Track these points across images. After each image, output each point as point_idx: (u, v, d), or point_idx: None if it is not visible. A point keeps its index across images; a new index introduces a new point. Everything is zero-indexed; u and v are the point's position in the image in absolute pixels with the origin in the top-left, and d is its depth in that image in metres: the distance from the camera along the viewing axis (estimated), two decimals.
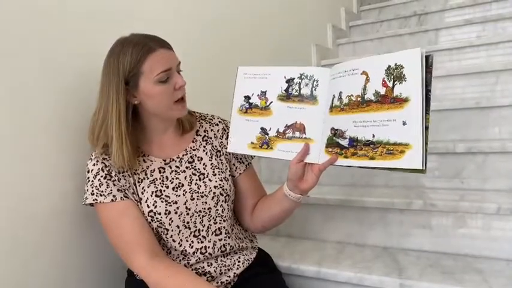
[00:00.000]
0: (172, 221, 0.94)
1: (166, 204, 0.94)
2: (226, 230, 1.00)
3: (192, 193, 0.97)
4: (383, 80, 0.82)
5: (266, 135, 0.99)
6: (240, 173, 1.06)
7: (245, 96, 1.02)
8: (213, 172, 1.00)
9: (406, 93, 0.79)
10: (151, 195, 0.94)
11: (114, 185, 0.92)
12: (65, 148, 1.03)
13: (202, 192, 0.97)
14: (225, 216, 1.00)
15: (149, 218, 0.93)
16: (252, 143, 1.00)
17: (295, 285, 1.17)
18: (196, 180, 0.99)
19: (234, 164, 1.06)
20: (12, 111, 0.92)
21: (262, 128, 0.99)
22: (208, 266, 0.97)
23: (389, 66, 0.82)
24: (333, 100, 0.90)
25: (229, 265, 1.00)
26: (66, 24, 1.04)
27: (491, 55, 1.95)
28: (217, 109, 1.18)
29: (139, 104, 0.94)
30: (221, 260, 0.99)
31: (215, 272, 0.97)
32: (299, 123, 0.95)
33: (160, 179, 0.97)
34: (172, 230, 0.95)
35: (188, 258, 0.96)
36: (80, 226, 1.05)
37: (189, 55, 1.12)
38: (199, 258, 0.96)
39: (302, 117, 0.95)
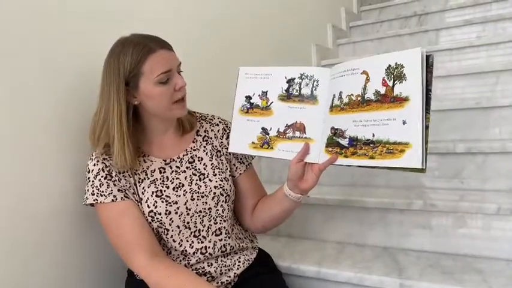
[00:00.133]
0: (172, 221, 0.94)
1: (166, 205, 0.94)
2: (226, 230, 1.00)
3: (193, 193, 0.97)
4: (383, 80, 0.82)
5: (267, 135, 0.99)
6: (240, 173, 1.06)
7: (246, 97, 1.02)
8: (214, 172, 1.00)
9: (406, 92, 0.79)
10: (152, 196, 0.94)
11: (115, 185, 0.92)
12: (65, 148, 1.03)
13: (203, 193, 0.97)
14: (225, 217, 1.00)
15: (149, 218, 0.93)
16: (253, 142, 1.00)
17: (296, 285, 1.17)
18: (197, 180, 0.98)
19: (234, 164, 1.06)
20: (12, 111, 0.92)
21: (263, 128, 0.99)
22: (209, 266, 0.97)
23: (389, 65, 0.82)
24: (333, 100, 0.90)
25: (229, 265, 1.00)
26: (66, 24, 1.04)
27: (492, 55, 1.96)
28: (218, 109, 1.19)
29: (139, 105, 0.94)
30: (221, 260, 0.99)
31: (215, 272, 0.97)
32: (299, 123, 0.95)
33: (160, 179, 0.97)
34: (172, 230, 0.95)
35: (188, 258, 0.96)
36: (80, 226, 1.05)
37: (189, 55, 1.12)
38: (199, 258, 0.96)
39: (302, 117, 0.95)
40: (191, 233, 0.97)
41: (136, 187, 0.95)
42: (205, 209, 0.97)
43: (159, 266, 0.88)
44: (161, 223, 0.93)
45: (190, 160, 1.01)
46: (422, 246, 1.20)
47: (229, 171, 1.04)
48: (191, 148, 1.02)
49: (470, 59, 2.00)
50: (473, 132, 1.53)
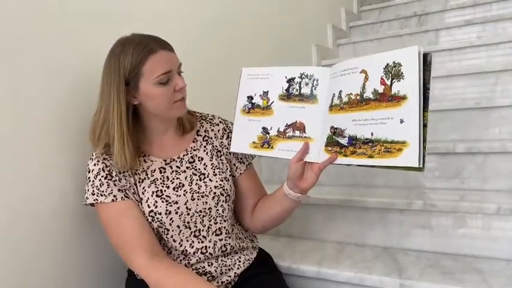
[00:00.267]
0: (172, 221, 0.94)
1: (166, 204, 0.94)
2: (226, 230, 1.00)
3: (193, 193, 0.97)
4: (381, 78, 0.82)
5: (267, 135, 0.99)
6: (240, 173, 1.06)
7: (248, 97, 1.03)
8: (214, 172, 1.00)
9: (404, 91, 0.79)
10: (152, 195, 0.94)
11: (115, 185, 0.92)
12: (66, 148, 1.03)
13: (203, 192, 0.97)
14: (226, 216, 1.00)
15: (150, 218, 0.93)
16: (254, 142, 1.00)
17: (296, 285, 1.17)
18: (197, 180, 0.99)
19: (234, 164, 1.06)
20: (12, 111, 0.92)
21: (263, 128, 0.99)
22: (209, 265, 0.97)
23: (387, 64, 0.82)
24: (332, 99, 0.90)
25: (229, 265, 1.00)
26: (66, 24, 1.04)
27: (492, 55, 1.96)
28: (218, 109, 1.19)
29: (139, 105, 0.94)
30: (222, 260, 0.99)
31: (216, 271, 0.97)
32: (299, 122, 0.95)
33: (161, 179, 0.97)
34: (172, 230, 0.95)
35: (189, 258, 0.96)
36: (80, 226, 1.05)
37: (189, 55, 1.12)
38: (199, 258, 0.96)
39: (302, 117, 0.95)
40: (191, 232, 0.97)
41: (137, 187, 0.95)
42: (205, 208, 0.97)
43: (160, 266, 0.88)
44: (161, 223, 0.93)
45: (191, 160, 1.01)
46: (422, 246, 1.20)
47: (230, 171, 1.04)
48: (191, 148, 1.02)
49: (471, 59, 2.00)
50: (473, 132, 1.53)
